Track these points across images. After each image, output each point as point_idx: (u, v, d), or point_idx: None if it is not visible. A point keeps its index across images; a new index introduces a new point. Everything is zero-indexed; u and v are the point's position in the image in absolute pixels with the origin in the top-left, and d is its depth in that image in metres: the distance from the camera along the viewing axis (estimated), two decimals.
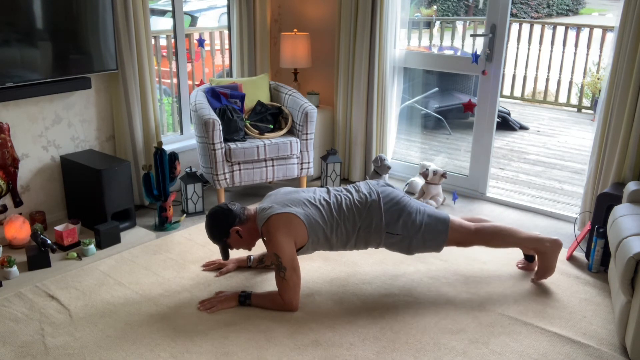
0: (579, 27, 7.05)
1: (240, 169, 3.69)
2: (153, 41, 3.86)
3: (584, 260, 3.16)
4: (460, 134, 6.02)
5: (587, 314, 2.66)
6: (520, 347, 2.41)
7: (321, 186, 4.23)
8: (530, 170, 4.94)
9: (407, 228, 2.68)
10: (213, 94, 3.84)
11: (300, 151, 3.89)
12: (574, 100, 7.20)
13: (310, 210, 2.65)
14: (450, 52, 7.14)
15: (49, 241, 2.97)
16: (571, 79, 7.04)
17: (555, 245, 2.83)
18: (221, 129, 3.58)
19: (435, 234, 2.71)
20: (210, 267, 3.03)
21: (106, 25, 3.38)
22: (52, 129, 3.46)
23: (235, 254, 3.10)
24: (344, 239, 2.70)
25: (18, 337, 2.43)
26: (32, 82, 3.16)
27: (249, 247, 2.80)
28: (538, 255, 2.91)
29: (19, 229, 3.14)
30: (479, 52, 3.81)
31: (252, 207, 2.76)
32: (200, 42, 4.55)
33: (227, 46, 4.63)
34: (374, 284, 2.90)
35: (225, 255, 2.80)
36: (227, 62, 4.74)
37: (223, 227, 2.70)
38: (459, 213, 3.81)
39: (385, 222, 2.67)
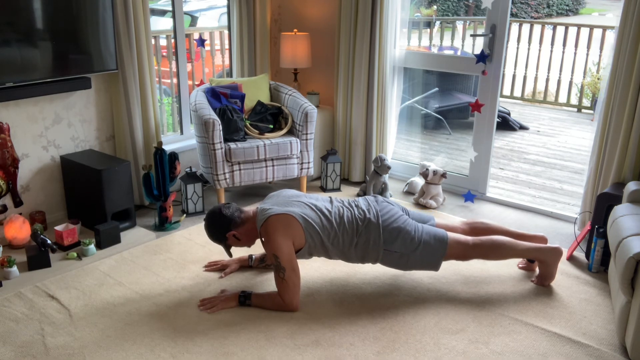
0: (579, 27, 7.05)
1: (240, 169, 3.69)
2: (153, 41, 3.86)
3: (584, 260, 3.16)
4: (460, 134, 6.02)
5: (587, 314, 2.66)
6: (520, 347, 2.41)
7: (321, 187, 4.25)
8: (530, 170, 4.94)
9: (406, 245, 2.68)
10: (213, 94, 3.84)
11: (300, 151, 3.89)
12: (574, 100, 7.20)
13: (309, 214, 2.65)
14: (450, 52, 7.15)
15: (49, 241, 2.97)
16: (571, 79, 7.05)
17: (556, 253, 2.83)
18: (221, 129, 3.58)
19: (433, 252, 2.70)
20: (212, 267, 3.03)
21: (106, 25, 3.38)
22: (52, 129, 3.46)
23: (237, 253, 3.11)
24: (339, 249, 2.69)
25: (18, 337, 2.43)
26: (32, 82, 3.16)
27: (248, 246, 2.81)
28: (539, 263, 2.91)
29: (19, 229, 3.14)
30: (478, 52, 3.80)
31: (253, 208, 2.76)
32: (200, 42, 4.55)
33: (227, 46, 4.63)
34: (374, 284, 2.90)
35: (229, 253, 2.83)
36: (227, 62, 4.74)
37: (219, 233, 2.73)
38: (460, 214, 3.81)
39: (384, 239, 2.66)
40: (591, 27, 7.03)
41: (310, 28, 4.50)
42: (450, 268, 3.05)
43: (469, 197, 3.95)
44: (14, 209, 3.34)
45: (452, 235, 2.75)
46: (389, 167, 3.97)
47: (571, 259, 3.19)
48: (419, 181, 4.16)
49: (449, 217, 3.72)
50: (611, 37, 3.73)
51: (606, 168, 3.28)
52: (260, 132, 3.84)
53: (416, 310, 2.67)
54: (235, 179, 3.70)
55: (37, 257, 2.95)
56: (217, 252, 3.19)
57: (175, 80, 4.54)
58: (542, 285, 2.89)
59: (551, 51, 7.07)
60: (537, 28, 7.37)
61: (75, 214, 3.53)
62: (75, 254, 3.10)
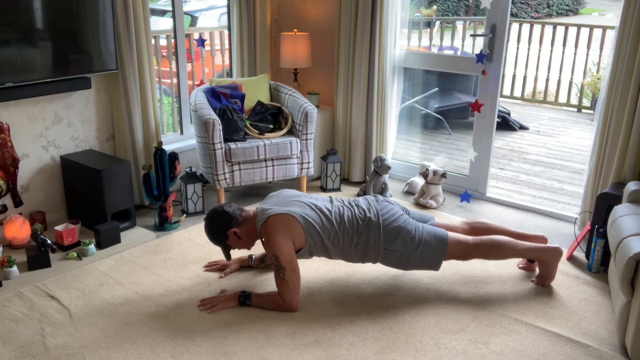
0: (579, 27, 7.05)
1: (240, 169, 3.69)
2: (153, 41, 3.86)
3: (584, 260, 3.16)
4: (460, 134, 6.02)
5: (587, 314, 2.66)
6: (520, 347, 2.41)
7: (321, 187, 4.26)
8: (530, 170, 4.94)
9: (406, 245, 2.67)
10: (213, 94, 3.84)
11: (300, 151, 3.89)
12: (574, 100, 7.20)
13: (309, 213, 2.65)
14: (450, 52, 7.15)
15: (49, 241, 2.97)
16: (571, 79, 7.05)
17: (556, 253, 2.83)
18: (221, 129, 3.58)
19: (434, 251, 2.70)
20: (212, 267, 3.03)
21: (106, 25, 3.38)
22: (52, 129, 3.46)
23: (237, 253, 3.11)
24: (340, 248, 2.69)
25: (18, 337, 2.43)
26: (32, 82, 3.16)
27: (248, 247, 2.80)
28: (538, 263, 2.91)
29: (19, 229, 3.14)
30: (478, 52, 3.80)
31: (253, 208, 2.76)
32: (200, 42, 4.55)
33: (227, 46, 4.63)
34: (374, 284, 2.90)
35: (228, 256, 2.82)
36: (227, 62, 4.74)
37: (220, 230, 2.71)
38: (459, 214, 3.81)
39: (384, 238, 2.66)
40: (591, 27, 7.03)
41: (310, 28, 4.50)
42: (450, 268, 3.05)
43: (466, 197, 3.96)
44: (14, 209, 3.34)
45: (452, 234, 2.75)
46: (389, 167, 3.97)
47: (571, 259, 3.19)
48: (419, 181, 4.16)
49: (449, 217, 3.72)
50: (611, 37, 3.74)
51: (606, 168, 3.28)
52: (260, 132, 3.84)
53: (416, 310, 2.67)
54: (235, 179, 3.70)
55: (37, 257, 2.95)
56: (217, 252, 3.19)
57: (175, 80, 4.54)
58: (542, 285, 2.89)
59: (551, 51, 7.07)
60: (537, 28, 7.37)
61: (75, 214, 3.53)
62: (75, 254, 3.10)
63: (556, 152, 5.48)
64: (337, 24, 4.20)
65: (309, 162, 3.94)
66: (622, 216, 2.62)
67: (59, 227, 3.18)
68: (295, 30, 4.34)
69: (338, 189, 4.21)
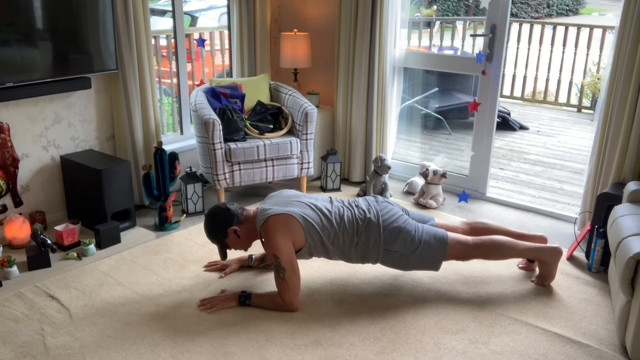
0: (579, 27, 7.05)
1: (240, 169, 3.69)
2: (153, 41, 3.86)
3: (584, 260, 3.16)
4: (460, 134, 6.02)
5: (587, 314, 2.66)
6: (520, 347, 2.41)
7: (321, 187, 4.26)
8: (530, 170, 4.94)
9: (406, 246, 2.67)
10: (213, 94, 3.84)
11: (300, 151, 3.89)
12: (574, 100, 7.20)
13: (309, 214, 2.65)
14: (450, 52, 7.15)
15: (49, 241, 2.97)
16: (571, 79, 7.05)
17: (556, 253, 2.83)
18: (221, 129, 3.58)
19: (434, 252, 2.70)
20: (212, 267, 3.03)
21: (106, 25, 3.39)
22: (52, 129, 3.46)
23: (236, 253, 3.11)
24: (340, 249, 2.69)
25: (18, 337, 2.43)
26: (32, 82, 3.16)
27: (245, 247, 2.79)
28: (538, 263, 2.91)
29: (19, 229, 3.14)
30: (478, 52, 3.80)
31: (253, 208, 2.76)
32: (200, 42, 4.55)
33: (227, 46, 4.63)
34: (374, 284, 2.90)
35: (224, 255, 2.80)
36: (227, 62, 4.74)
37: (221, 226, 2.70)
38: (459, 214, 3.81)
39: (384, 239, 2.66)
40: (591, 27, 7.03)
41: (310, 28, 4.50)
42: (450, 268, 3.05)
43: (463, 196, 3.96)
44: (14, 209, 3.34)
45: (452, 235, 2.75)
46: (389, 167, 3.97)
47: (571, 259, 3.19)
48: (419, 181, 4.16)
49: (449, 217, 3.72)
50: (611, 37, 3.73)
51: (606, 168, 3.28)
52: (260, 132, 3.84)
53: (416, 310, 2.67)
54: (235, 179, 3.70)
55: (37, 257, 2.95)
56: (217, 252, 3.19)
57: (175, 80, 4.54)
58: (542, 285, 2.89)
59: (551, 51, 7.07)
60: (537, 28, 7.37)
61: (75, 214, 3.53)
62: (75, 254, 3.10)
63: (556, 152, 5.48)
64: (337, 24, 4.20)
65: (309, 162, 3.94)
66: (622, 216, 2.62)
67: (59, 227, 3.18)
68: (295, 30, 4.34)
69: (338, 189, 4.21)
